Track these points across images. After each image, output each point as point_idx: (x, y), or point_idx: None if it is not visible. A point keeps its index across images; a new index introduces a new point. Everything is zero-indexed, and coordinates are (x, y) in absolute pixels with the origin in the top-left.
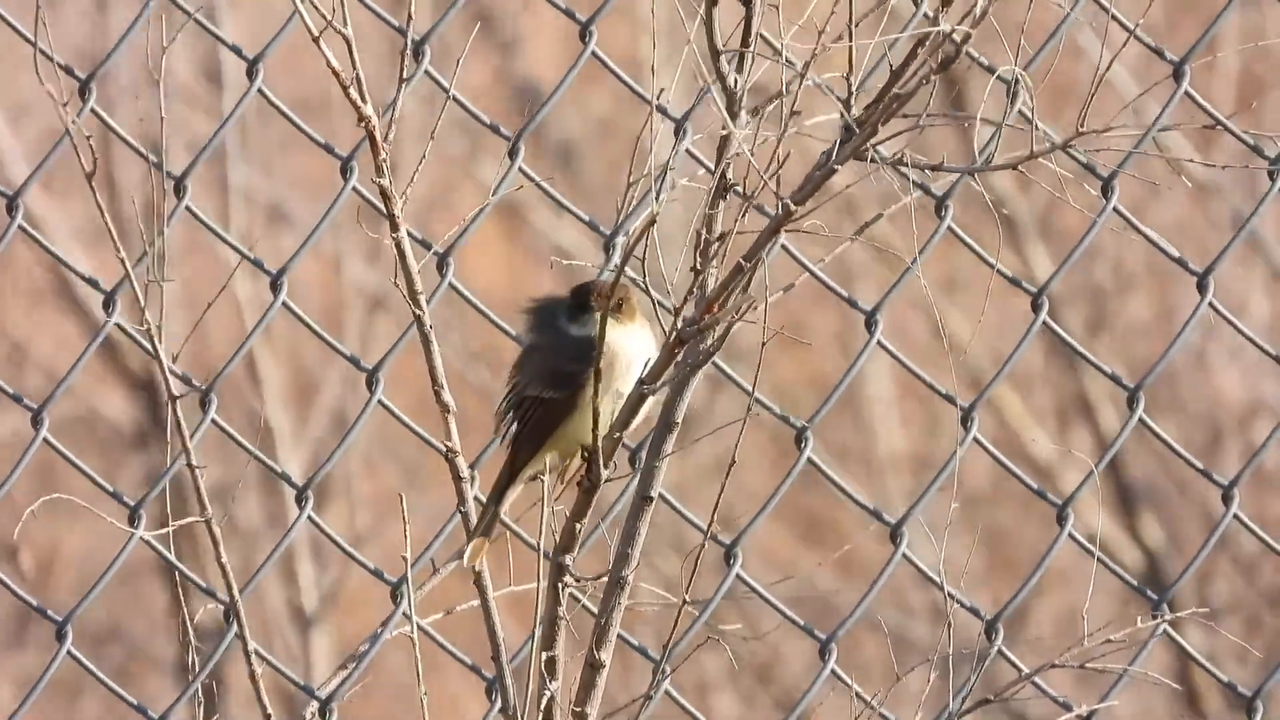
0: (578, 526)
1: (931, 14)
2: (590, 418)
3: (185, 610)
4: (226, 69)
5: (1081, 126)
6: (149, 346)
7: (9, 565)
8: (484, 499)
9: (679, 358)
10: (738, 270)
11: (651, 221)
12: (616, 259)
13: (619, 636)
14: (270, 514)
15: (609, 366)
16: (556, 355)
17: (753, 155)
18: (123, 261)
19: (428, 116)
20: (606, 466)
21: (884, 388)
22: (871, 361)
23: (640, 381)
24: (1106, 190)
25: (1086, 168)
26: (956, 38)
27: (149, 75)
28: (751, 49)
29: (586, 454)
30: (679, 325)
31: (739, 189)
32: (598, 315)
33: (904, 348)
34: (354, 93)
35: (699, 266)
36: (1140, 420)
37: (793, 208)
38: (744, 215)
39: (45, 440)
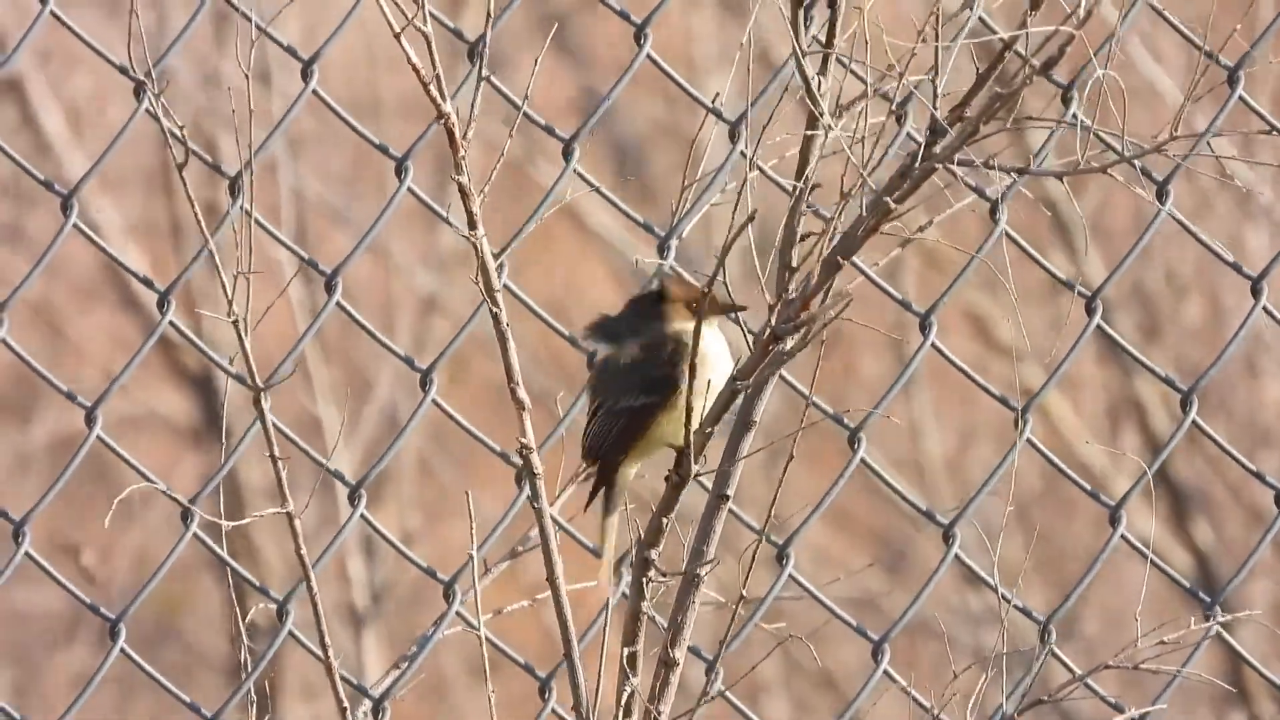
0: (664, 521)
1: (1027, 14)
2: (680, 417)
3: (238, 609)
4: (275, 71)
5: (1175, 131)
6: (236, 337)
7: (70, 564)
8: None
9: (772, 354)
10: (833, 267)
11: (750, 218)
12: (672, 260)
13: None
14: (322, 514)
15: (702, 362)
16: (648, 360)
17: (850, 153)
18: (212, 254)
19: (483, 119)
20: (697, 462)
21: (924, 393)
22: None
23: (732, 378)
24: (1161, 194)
25: (1143, 172)
26: (1056, 40)
27: (204, 77)
28: (836, 52)
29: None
30: (773, 322)
31: (819, 191)
32: (678, 313)
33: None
34: (434, 90)
35: (792, 264)
36: (1194, 423)
37: (892, 205)
38: (841, 212)
39: (99, 438)
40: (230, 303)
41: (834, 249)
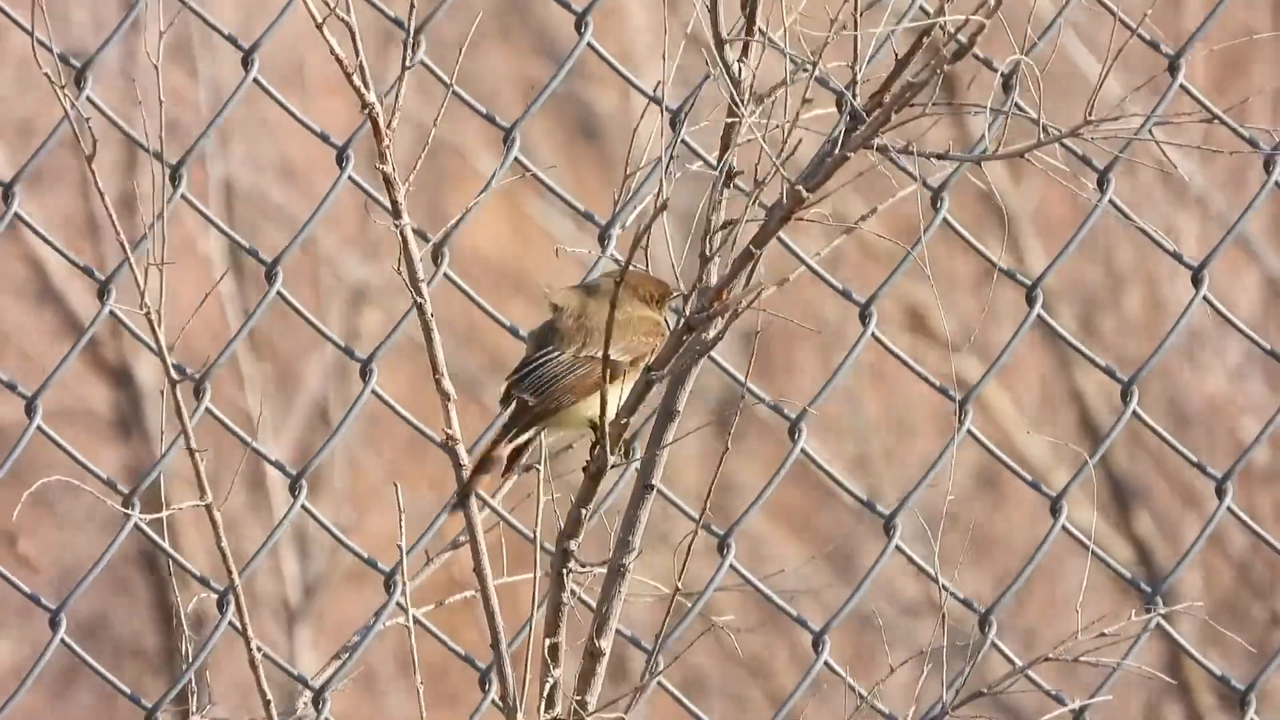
0: (583, 512)
1: (932, 8)
2: (629, 382)
3: (178, 599)
4: (200, 56)
5: (1089, 115)
6: (145, 332)
7: (7, 552)
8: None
9: (686, 345)
10: (747, 257)
11: (662, 208)
12: (612, 250)
13: None
14: (253, 505)
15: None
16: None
17: (763, 141)
18: (123, 245)
19: (427, 108)
20: (613, 452)
21: (861, 384)
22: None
23: (647, 368)
24: (1102, 183)
25: (1083, 160)
26: (968, 29)
27: (133, 64)
28: (758, 39)
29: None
30: (687, 312)
31: (742, 179)
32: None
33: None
34: (357, 80)
35: (707, 254)
36: (1134, 414)
37: (804, 194)
38: (754, 201)
39: (39, 429)
40: (143, 295)
41: (758, 237)
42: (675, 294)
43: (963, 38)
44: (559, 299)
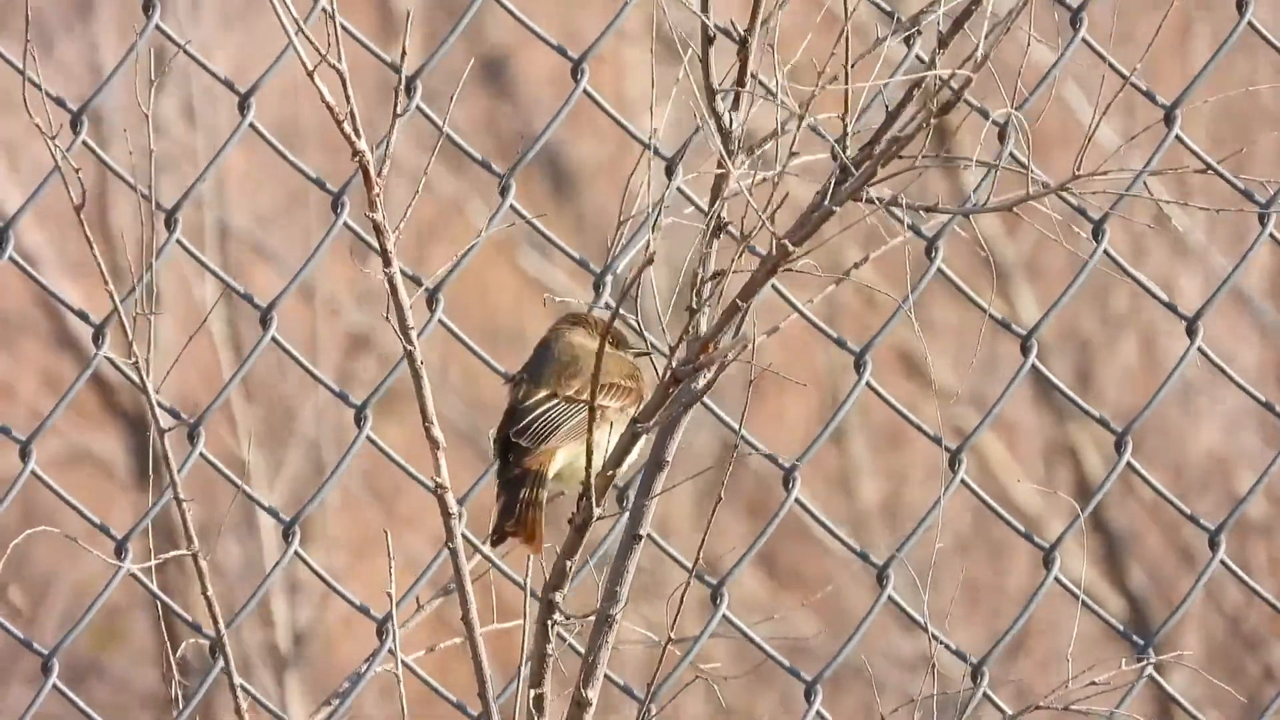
0: (568, 564)
1: (927, 57)
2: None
3: (169, 645)
4: (199, 106)
5: (1078, 167)
6: (137, 380)
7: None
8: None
9: (673, 397)
10: (733, 310)
11: (649, 261)
12: (607, 297)
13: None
14: (248, 555)
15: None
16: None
17: (750, 195)
18: (111, 295)
19: (419, 156)
20: (599, 505)
21: (859, 436)
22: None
23: (633, 420)
24: (1097, 233)
25: (1078, 210)
26: (956, 83)
27: (138, 111)
28: (748, 89)
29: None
30: (673, 364)
31: (732, 229)
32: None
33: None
34: (348, 127)
35: (694, 306)
36: (1129, 465)
37: (790, 248)
38: (740, 255)
39: (34, 474)
40: (131, 343)
41: (745, 290)
42: (634, 350)
43: (955, 84)
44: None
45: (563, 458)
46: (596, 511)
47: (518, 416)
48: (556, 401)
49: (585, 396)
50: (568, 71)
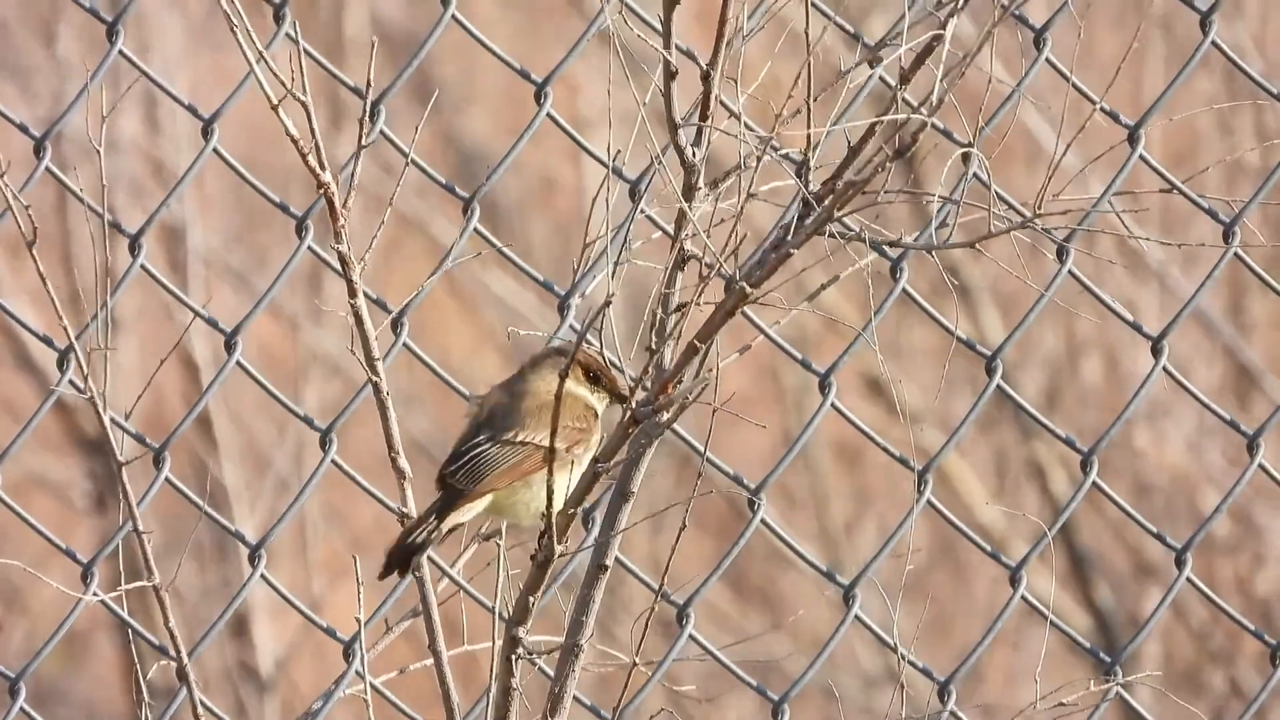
0: (531, 600)
1: (891, 82)
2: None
3: (139, 669)
4: (165, 132)
5: (1038, 208)
6: (94, 412)
7: None
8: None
9: (632, 436)
10: (691, 351)
11: (607, 303)
12: (571, 321)
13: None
14: (224, 577)
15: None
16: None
17: (709, 233)
18: (65, 330)
19: (372, 180)
20: (560, 542)
21: (823, 458)
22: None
23: (594, 460)
24: (1061, 254)
25: (1043, 231)
26: (910, 128)
27: (100, 137)
28: (709, 124)
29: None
30: (634, 405)
31: (697, 259)
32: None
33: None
34: (312, 160)
35: (654, 345)
36: (1094, 484)
37: (748, 291)
38: (699, 294)
39: None
40: (86, 377)
41: (703, 331)
42: (613, 389)
43: (921, 116)
44: (483, 393)
45: (491, 501)
46: (558, 549)
47: (454, 456)
48: (492, 444)
49: (522, 440)
50: (507, 93)
